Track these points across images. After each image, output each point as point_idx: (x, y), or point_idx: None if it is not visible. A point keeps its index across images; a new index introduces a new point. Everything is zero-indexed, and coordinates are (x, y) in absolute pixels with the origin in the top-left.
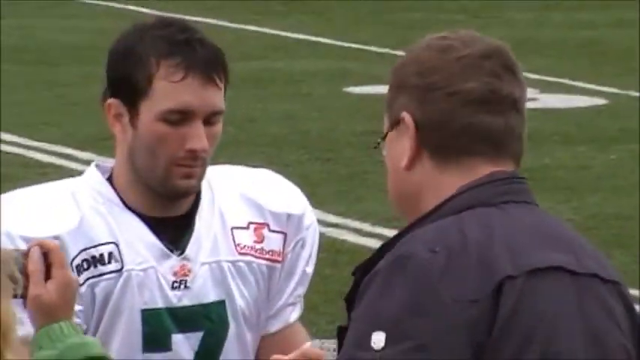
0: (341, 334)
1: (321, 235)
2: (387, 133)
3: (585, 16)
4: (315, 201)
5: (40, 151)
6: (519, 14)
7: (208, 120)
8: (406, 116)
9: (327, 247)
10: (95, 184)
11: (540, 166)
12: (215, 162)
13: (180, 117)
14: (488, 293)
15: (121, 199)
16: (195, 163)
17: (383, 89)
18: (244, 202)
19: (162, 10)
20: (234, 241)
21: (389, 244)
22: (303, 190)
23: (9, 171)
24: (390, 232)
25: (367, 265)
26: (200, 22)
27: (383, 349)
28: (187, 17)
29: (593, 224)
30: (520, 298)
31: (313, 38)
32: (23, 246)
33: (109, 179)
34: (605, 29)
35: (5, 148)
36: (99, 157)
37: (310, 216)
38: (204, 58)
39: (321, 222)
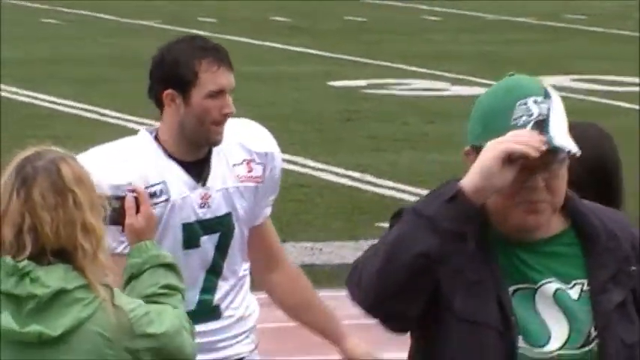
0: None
1: (312, 176)
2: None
3: (486, 37)
4: (310, 155)
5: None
6: (438, 35)
7: (229, 95)
8: None
9: (315, 184)
10: (146, 143)
11: (451, 131)
12: None
13: (220, 93)
14: None
15: (164, 150)
16: (225, 122)
17: (353, 83)
18: (238, 146)
19: (212, 31)
20: (235, 174)
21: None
22: (301, 148)
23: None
24: (358, 175)
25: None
26: (238, 41)
27: None
28: (231, 37)
29: None
30: None
31: (308, 50)
32: (108, 191)
33: (155, 138)
34: (500, 45)
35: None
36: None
37: (278, 152)
38: (224, 55)
39: (312, 168)
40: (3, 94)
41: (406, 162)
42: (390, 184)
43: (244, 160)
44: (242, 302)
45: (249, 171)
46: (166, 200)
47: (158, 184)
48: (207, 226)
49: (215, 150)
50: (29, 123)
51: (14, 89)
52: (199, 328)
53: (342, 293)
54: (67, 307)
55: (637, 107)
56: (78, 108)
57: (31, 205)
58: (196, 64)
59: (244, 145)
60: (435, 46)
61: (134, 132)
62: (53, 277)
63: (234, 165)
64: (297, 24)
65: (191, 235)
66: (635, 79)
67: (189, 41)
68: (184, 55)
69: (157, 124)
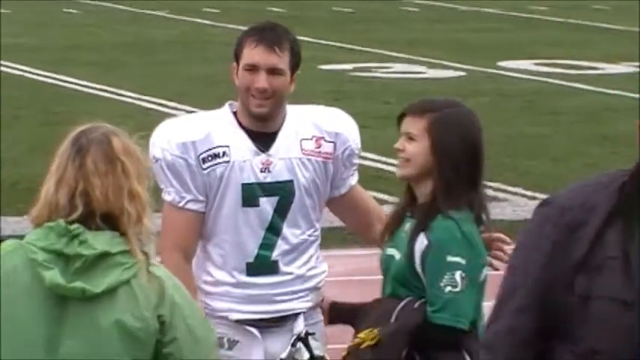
0: None
1: None
2: None
3: (458, 26)
4: None
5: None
6: (416, 24)
7: (271, 73)
8: None
9: None
10: (224, 113)
11: None
12: None
13: (253, 68)
14: None
15: (238, 121)
16: (261, 96)
17: (340, 67)
18: (311, 124)
19: (215, 20)
20: (301, 147)
21: None
22: None
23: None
24: None
25: None
26: (238, 29)
27: None
28: (233, 25)
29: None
30: None
31: (301, 37)
32: (175, 148)
33: (235, 111)
34: (470, 33)
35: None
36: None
37: (352, 135)
38: (269, 37)
39: None
40: (31, 75)
41: (388, 137)
42: (374, 156)
43: (314, 137)
44: (305, 263)
45: (318, 147)
46: (227, 161)
47: (222, 146)
48: (267, 188)
49: (287, 125)
50: (54, 101)
51: (41, 72)
52: (257, 279)
53: (331, 253)
54: (109, 268)
55: (592, 88)
56: (96, 88)
57: (84, 172)
58: (244, 40)
59: (316, 124)
60: (413, 34)
61: (145, 109)
62: (99, 241)
63: (303, 139)
64: (290, 14)
65: (250, 195)
66: (590, 64)
67: (258, 24)
68: (242, 33)
69: (162, 101)
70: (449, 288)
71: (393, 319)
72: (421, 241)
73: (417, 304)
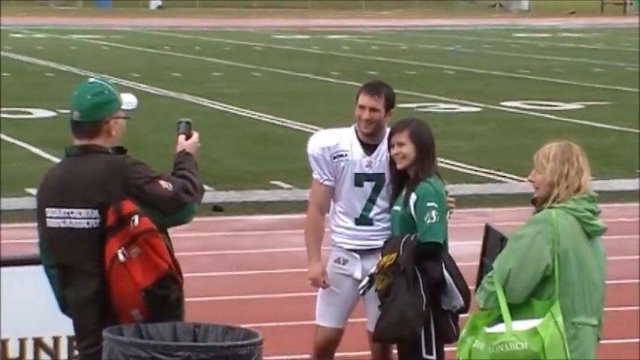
0: None
1: None
2: None
3: (476, 82)
4: None
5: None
6: (451, 81)
7: (371, 110)
8: None
9: None
10: (350, 130)
11: (457, 131)
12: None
13: (362, 107)
14: None
15: (357, 136)
16: (366, 123)
17: (408, 106)
18: None
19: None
20: (389, 152)
21: None
22: None
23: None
24: None
25: None
26: (345, 84)
27: None
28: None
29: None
30: None
31: None
32: (318, 149)
33: (357, 129)
34: (485, 86)
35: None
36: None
37: None
38: (372, 90)
39: None
40: (232, 110)
41: (438, 147)
42: None
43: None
44: (387, 220)
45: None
46: (347, 159)
47: (345, 150)
48: (369, 177)
49: (385, 140)
50: (244, 126)
51: (237, 108)
52: (361, 227)
53: None
54: None
55: (556, 117)
56: (269, 117)
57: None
58: (360, 90)
59: None
60: (450, 87)
61: (297, 130)
62: None
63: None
64: (380, 75)
65: (358, 180)
66: (555, 103)
67: (371, 81)
68: (362, 86)
69: (309, 125)
70: (429, 220)
71: (401, 246)
72: (413, 197)
73: (412, 237)
